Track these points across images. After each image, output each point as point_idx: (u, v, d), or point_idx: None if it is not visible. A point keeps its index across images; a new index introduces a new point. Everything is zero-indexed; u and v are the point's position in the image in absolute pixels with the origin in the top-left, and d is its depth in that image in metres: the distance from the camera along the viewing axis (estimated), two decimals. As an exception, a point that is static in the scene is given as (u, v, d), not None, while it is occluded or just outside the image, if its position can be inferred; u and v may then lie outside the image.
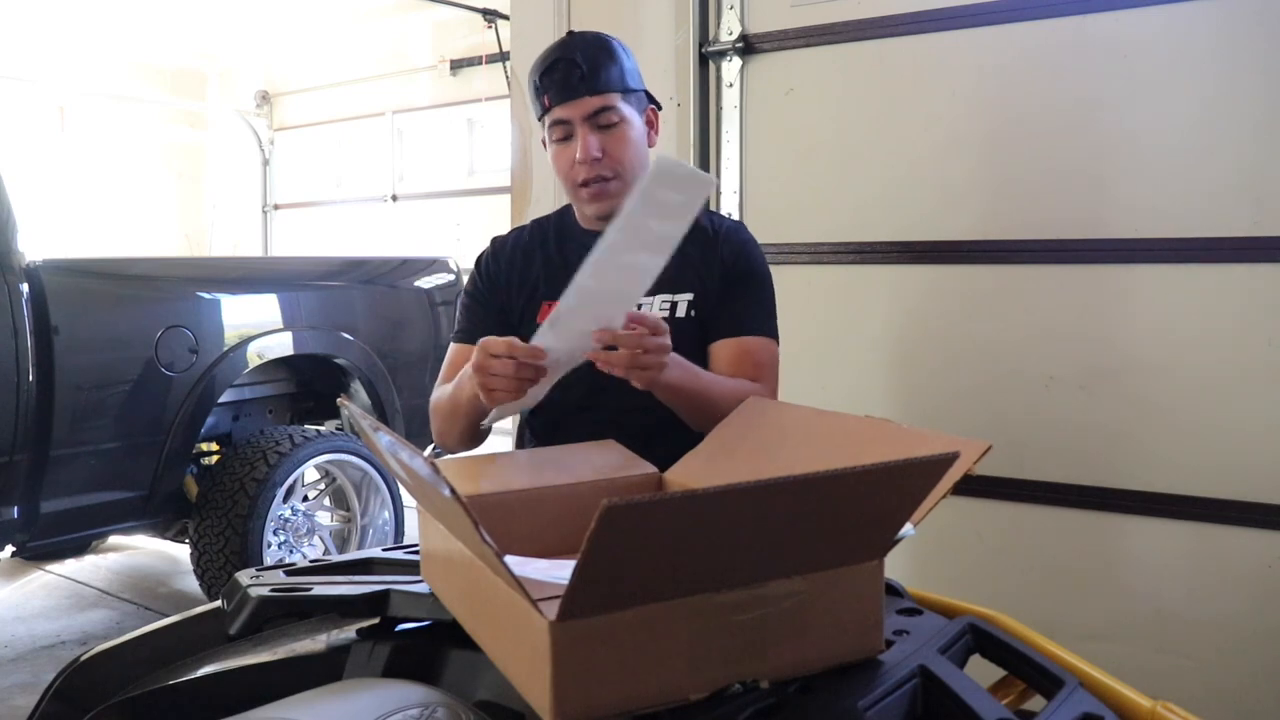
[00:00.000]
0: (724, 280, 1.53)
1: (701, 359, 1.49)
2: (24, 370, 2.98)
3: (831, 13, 2.32)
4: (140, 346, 3.28)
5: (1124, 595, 2.07)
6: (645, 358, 1.20)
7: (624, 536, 0.63)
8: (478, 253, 1.65)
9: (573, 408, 1.50)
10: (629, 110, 1.51)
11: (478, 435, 1.46)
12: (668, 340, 1.23)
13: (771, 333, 1.54)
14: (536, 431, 1.62)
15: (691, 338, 1.50)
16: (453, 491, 0.66)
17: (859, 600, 0.78)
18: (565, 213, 1.64)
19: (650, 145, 1.56)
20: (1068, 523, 2.12)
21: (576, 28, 2.75)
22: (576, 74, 1.47)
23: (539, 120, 1.54)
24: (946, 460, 0.72)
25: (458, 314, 1.62)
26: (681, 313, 1.51)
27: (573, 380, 1.30)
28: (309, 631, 0.98)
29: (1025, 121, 2.13)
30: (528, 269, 1.58)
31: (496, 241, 1.65)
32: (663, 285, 1.45)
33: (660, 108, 1.60)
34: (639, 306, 1.45)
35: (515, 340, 1.18)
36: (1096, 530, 2.10)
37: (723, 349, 1.51)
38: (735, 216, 2.44)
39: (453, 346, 1.58)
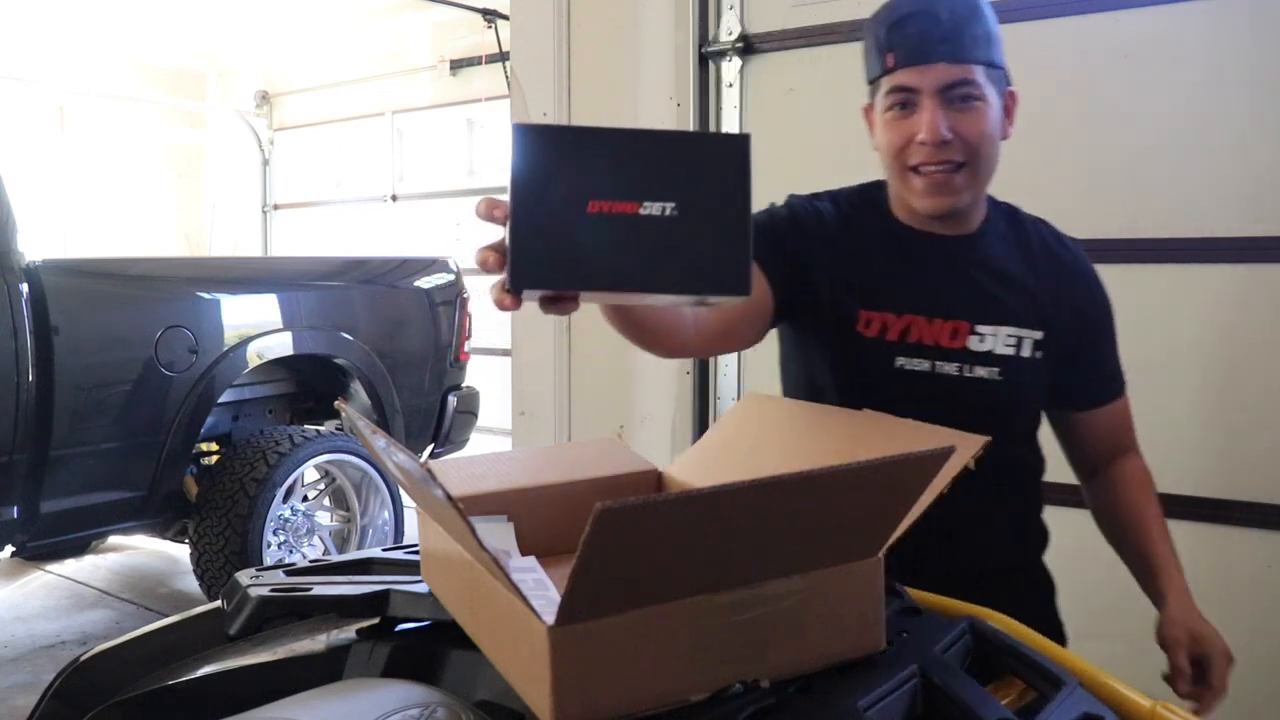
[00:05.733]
0: (1077, 324, 1.31)
1: (1038, 406, 1.33)
2: (24, 370, 2.98)
3: (831, 13, 2.32)
4: (140, 346, 3.28)
5: (1124, 595, 2.06)
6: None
7: (619, 539, 0.63)
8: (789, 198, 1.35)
9: None
10: (990, 89, 1.21)
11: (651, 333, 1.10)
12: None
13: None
14: None
15: (1033, 383, 1.29)
16: (448, 496, 0.66)
17: (859, 598, 0.78)
18: (874, 196, 1.34)
19: (1003, 138, 1.25)
20: (1068, 522, 2.12)
21: (576, 27, 2.76)
22: (937, 33, 1.18)
23: (871, 82, 1.27)
24: (942, 455, 0.72)
25: None
26: (1027, 351, 1.27)
27: None
28: (309, 631, 0.98)
29: (1024, 122, 2.12)
30: (834, 255, 1.28)
31: (808, 200, 1.34)
32: (1009, 316, 1.26)
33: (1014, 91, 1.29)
34: (982, 337, 1.25)
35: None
36: (1096, 530, 2.10)
37: (1102, 420, 1.34)
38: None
39: None
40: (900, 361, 1.24)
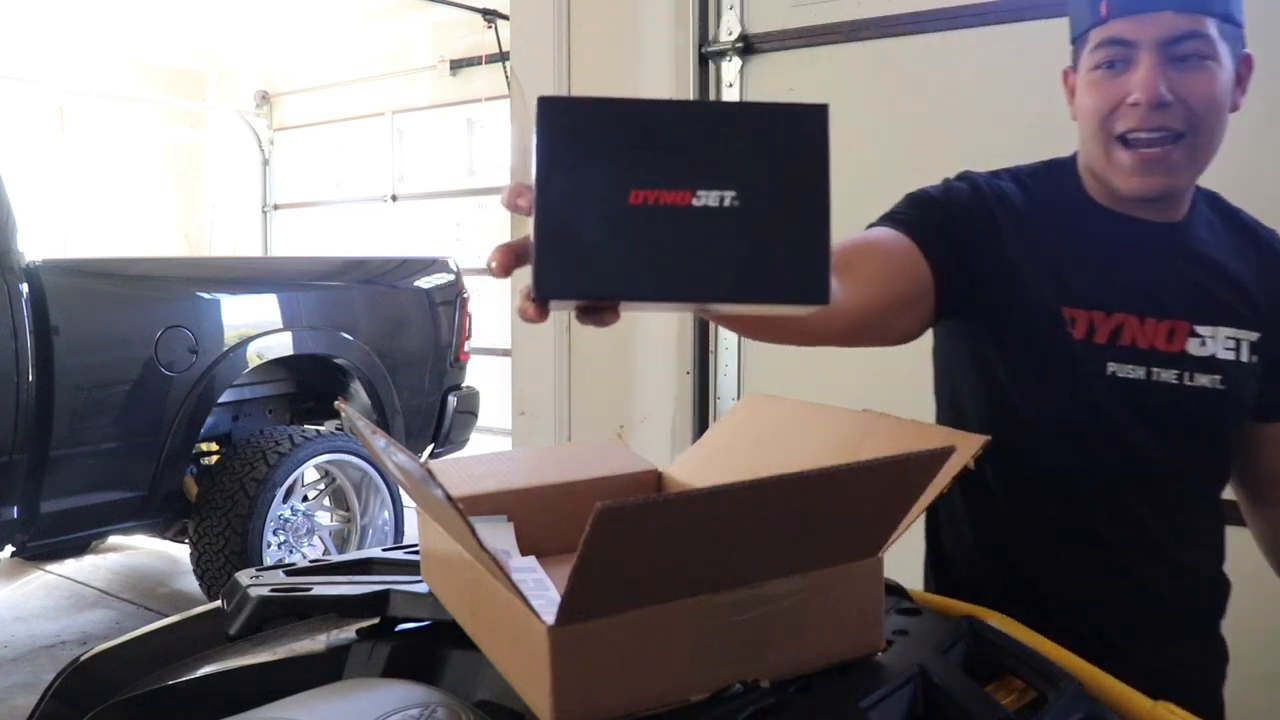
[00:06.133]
0: None
1: (1242, 417, 1.17)
2: (24, 370, 2.98)
3: (831, 13, 2.32)
4: (140, 346, 3.28)
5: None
6: None
7: (620, 539, 0.63)
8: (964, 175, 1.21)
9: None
10: (1223, 48, 1.04)
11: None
12: None
13: None
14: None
15: (1251, 391, 1.13)
16: (448, 496, 0.66)
17: (858, 598, 0.78)
18: (1063, 174, 1.17)
19: (1233, 109, 1.07)
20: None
21: (576, 27, 2.76)
22: None
23: (1075, 40, 1.13)
24: (942, 455, 0.72)
25: (903, 201, 1.16)
26: (1245, 355, 1.11)
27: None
28: (309, 631, 0.98)
29: (1025, 122, 2.13)
30: (1027, 242, 1.11)
31: (989, 177, 1.18)
32: (1227, 316, 1.10)
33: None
34: (1202, 340, 1.09)
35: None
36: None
37: None
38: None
39: (866, 231, 1.11)
40: (1112, 368, 1.08)
